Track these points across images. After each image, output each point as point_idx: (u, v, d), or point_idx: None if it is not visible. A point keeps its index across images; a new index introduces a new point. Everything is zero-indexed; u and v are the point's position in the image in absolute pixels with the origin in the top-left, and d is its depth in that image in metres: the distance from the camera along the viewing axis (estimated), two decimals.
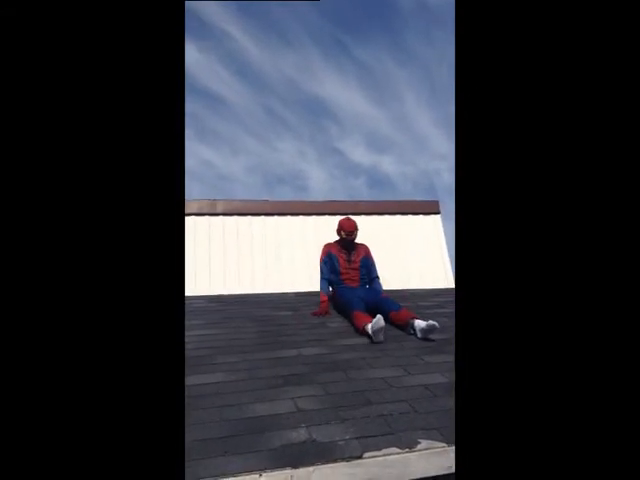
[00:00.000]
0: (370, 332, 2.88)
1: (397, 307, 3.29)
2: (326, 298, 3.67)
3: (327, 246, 3.88)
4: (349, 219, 3.89)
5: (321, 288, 3.73)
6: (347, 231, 3.79)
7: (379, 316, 2.87)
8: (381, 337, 2.86)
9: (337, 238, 3.89)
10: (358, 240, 3.92)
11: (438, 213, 5.86)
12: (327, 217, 5.47)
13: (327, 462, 1.51)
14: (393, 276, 5.27)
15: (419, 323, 3.00)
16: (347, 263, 3.76)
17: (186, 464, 1.48)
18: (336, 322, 3.37)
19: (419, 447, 1.60)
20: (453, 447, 1.61)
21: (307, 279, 4.84)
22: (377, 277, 3.85)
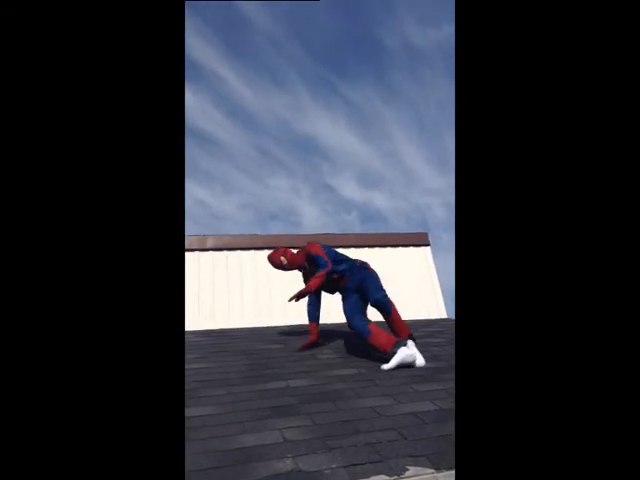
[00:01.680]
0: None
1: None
2: (314, 325, 3.48)
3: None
4: (270, 257, 3.60)
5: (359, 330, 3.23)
6: (276, 268, 3.59)
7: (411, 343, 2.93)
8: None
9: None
10: None
11: (428, 245, 5.90)
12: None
13: None
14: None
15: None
16: (305, 279, 3.62)
17: None
18: (326, 354, 3.33)
19: (407, 474, 1.57)
20: (442, 473, 1.58)
21: (298, 312, 4.81)
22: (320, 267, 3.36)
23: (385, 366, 2.91)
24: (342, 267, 3.38)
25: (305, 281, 3.64)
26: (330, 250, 3.52)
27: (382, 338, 3.03)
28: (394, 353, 2.92)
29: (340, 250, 5.68)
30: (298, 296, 3.24)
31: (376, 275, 3.42)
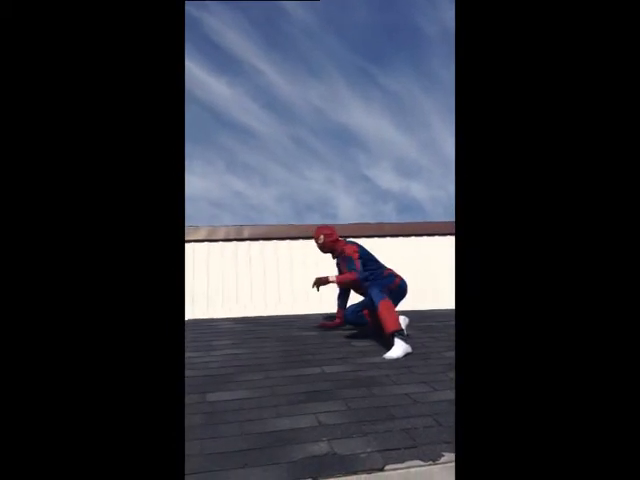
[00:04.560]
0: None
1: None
2: (340, 310, 3.76)
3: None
4: (318, 227, 3.73)
5: (352, 322, 3.52)
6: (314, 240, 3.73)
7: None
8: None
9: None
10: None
11: None
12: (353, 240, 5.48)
13: (347, 474, 1.48)
14: (423, 297, 5.21)
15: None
16: (338, 268, 3.72)
17: (204, 475, 1.47)
18: (362, 342, 3.33)
19: (443, 460, 1.56)
20: None
21: (332, 300, 4.83)
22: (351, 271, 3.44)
23: (388, 355, 2.89)
24: (367, 274, 3.41)
25: (338, 267, 3.73)
26: (364, 252, 3.60)
27: (391, 314, 3.05)
28: (393, 337, 2.95)
29: (376, 240, 5.67)
30: (317, 283, 3.41)
31: (399, 284, 3.44)
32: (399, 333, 2.99)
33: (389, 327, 2.99)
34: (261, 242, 5.14)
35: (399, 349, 2.90)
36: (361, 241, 5.89)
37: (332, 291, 4.90)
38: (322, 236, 3.63)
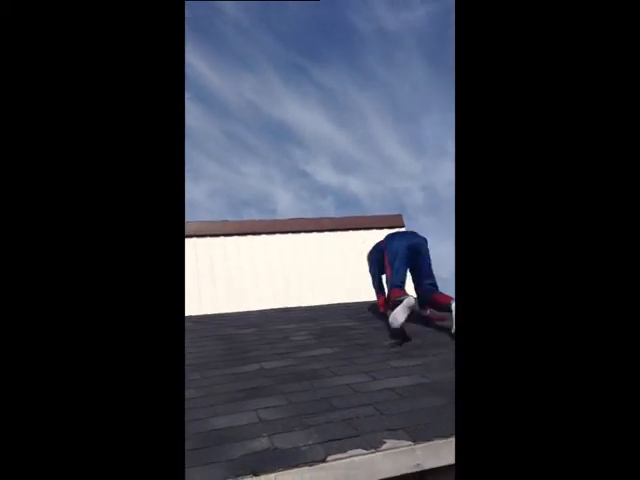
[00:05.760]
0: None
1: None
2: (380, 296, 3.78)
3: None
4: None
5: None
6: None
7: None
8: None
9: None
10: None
11: (402, 227, 5.90)
12: (290, 235, 5.44)
13: (289, 467, 1.43)
14: (360, 289, 5.26)
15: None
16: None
17: None
18: (300, 336, 3.30)
19: (385, 447, 1.55)
20: (420, 445, 1.56)
21: (271, 296, 4.77)
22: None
23: (393, 322, 2.97)
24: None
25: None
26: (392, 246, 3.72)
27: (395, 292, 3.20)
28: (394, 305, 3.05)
29: (315, 234, 5.66)
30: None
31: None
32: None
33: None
34: (193, 240, 4.97)
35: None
36: (300, 236, 5.88)
37: (271, 286, 4.85)
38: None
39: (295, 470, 1.43)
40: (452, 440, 1.60)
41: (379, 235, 5.80)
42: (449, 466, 1.60)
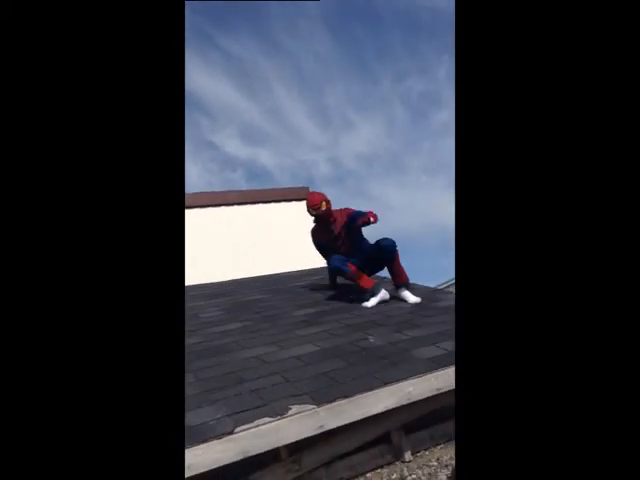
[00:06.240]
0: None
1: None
2: (353, 267, 3.22)
3: (312, 232, 3.60)
4: (311, 194, 3.43)
5: (338, 267, 3.25)
6: (308, 209, 3.36)
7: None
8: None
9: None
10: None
11: None
12: (197, 210, 5.33)
13: (198, 443, 1.47)
14: (272, 262, 5.31)
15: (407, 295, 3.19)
16: (331, 239, 3.42)
17: None
18: (210, 312, 3.30)
19: (290, 412, 1.63)
20: (323, 407, 1.66)
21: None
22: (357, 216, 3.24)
23: (367, 304, 3.11)
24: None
25: (322, 237, 3.51)
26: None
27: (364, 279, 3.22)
28: (373, 293, 3.15)
29: (223, 208, 5.56)
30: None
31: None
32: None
33: (404, 278, 3.23)
34: None
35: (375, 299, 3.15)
36: (207, 211, 5.75)
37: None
38: (324, 203, 3.28)
39: (205, 445, 1.47)
40: (354, 399, 1.72)
41: (288, 207, 5.87)
42: (351, 424, 1.73)
